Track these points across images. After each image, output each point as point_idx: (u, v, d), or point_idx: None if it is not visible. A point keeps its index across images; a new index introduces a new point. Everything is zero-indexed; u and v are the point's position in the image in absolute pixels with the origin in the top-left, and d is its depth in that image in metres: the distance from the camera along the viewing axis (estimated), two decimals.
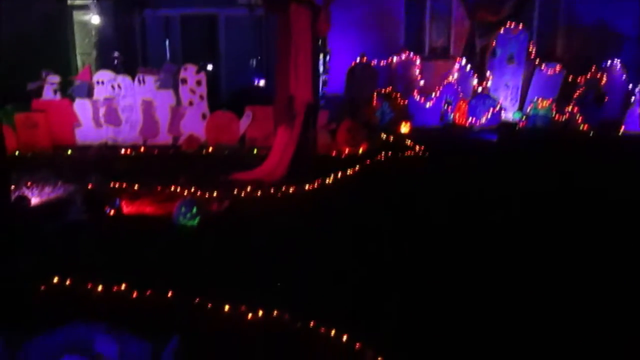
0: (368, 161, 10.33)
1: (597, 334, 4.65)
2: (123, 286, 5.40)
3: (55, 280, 5.48)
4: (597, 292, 5.38)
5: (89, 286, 5.42)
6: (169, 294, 5.30)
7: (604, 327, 4.77)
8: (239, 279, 5.72)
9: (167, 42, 16.37)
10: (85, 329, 3.27)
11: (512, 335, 4.67)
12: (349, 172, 9.61)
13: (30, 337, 3.26)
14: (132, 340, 3.28)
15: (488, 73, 15.42)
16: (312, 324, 4.92)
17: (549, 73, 15.26)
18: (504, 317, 4.99)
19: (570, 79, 15.12)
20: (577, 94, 14.74)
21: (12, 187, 7.56)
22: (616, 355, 4.37)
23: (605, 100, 14.67)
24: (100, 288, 5.40)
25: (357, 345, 4.60)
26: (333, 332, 4.81)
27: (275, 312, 5.07)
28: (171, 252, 6.32)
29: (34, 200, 7.91)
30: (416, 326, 4.86)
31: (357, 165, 9.92)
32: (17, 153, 10.47)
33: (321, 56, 12.10)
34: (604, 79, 14.76)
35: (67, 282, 5.50)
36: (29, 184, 8.35)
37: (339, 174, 9.37)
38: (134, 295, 5.31)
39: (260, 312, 5.08)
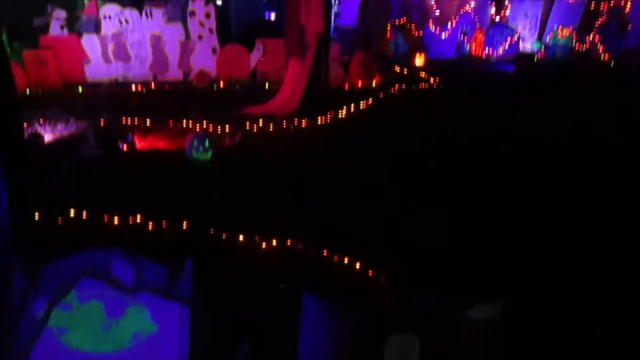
0: (381, 94, 10.13)
1: None
2: (138, 218, 5.47)
3: (72, 213, 5.56)
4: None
5: (105, 218, 5.50)
6: (184, 225, 5.36)
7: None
8: (252, 211, 5.75)
9: None
10: (101, 254, 3.32)
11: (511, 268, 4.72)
12: (362, 105, 9.45)
13: (48, 263, 3.32)
14: (147, 264, 3.33)
15: (507, 1, 14.83)
16: (325, 252, 4.98)
17: (570, 1, 14.62)
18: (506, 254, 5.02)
19: (592, 7, 14.50)
20: (599, 22, 14.16)
21: (25, 125, 7.55)
22: None
23: (629, 28, 14.09)
24: (116, 220, 5.48)
25: (370, 272, 4.66)
26: (346, 259, 4.88)
27: (289, 241, 5.13)
28: (185, 185, 6.35)
29: (47, 138, 7.92)
30: (424, 257, 4.90)
31: (370, 98, 9.74)
32: (27, 91, 10.40)
33: None
34: (628, 6, 14.12)
35: (84, 215, 5.59)
36: (41, 121, 8.33)
37: (352, 107, 9.23)
38: (150, 226, 5.37)
39: (275, 242, 5.14)
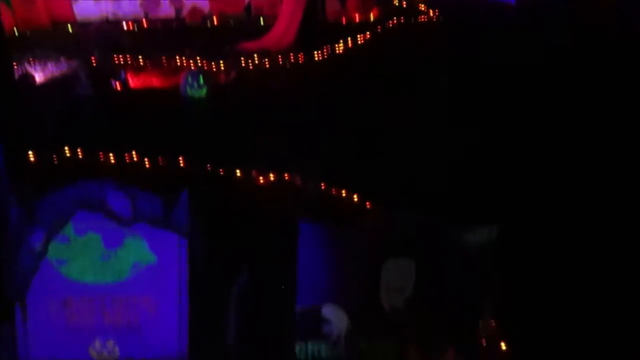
0: (379, 28, 9.85)
1: None
2: (134, 155, 5.42)
3: (67, 151, 5.51)
4: None
5: (101, 156, 5.45)
6: (181, 161, 5.32)
7: None
8: (248, 147, 5.69)
9: None
10: (96, 186, 3.30)
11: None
12: (360, 39, 9.21)
13: (43, 196, 3.31)
14: (143, 196, 3.32)
15: None
16: (322, 185, 4.98)
17: None
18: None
19: None
20: None
21: (14, 65, 7.37)
22: None
23: None
24: (111, 157, 5.43)
25: (368, 204, 4.67)
26: (344, 192, 4.88)
27: (286, 175, 5.11)
28: (180, 123, 6.26)
29: (38, 78, 7.77)
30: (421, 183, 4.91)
31: (368, 32, 9.48)
32: (15, 31, 10.11)
33: None
34: None
35: (78, 153, 5.54)
36: (31, 61, 8.14)
37: (349, 42, 9.00)
38: (146, 162, 5.33)
39: (272, 176, 5.12)
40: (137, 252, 3.45)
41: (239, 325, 3.82)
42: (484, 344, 3.78)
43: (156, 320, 3.67)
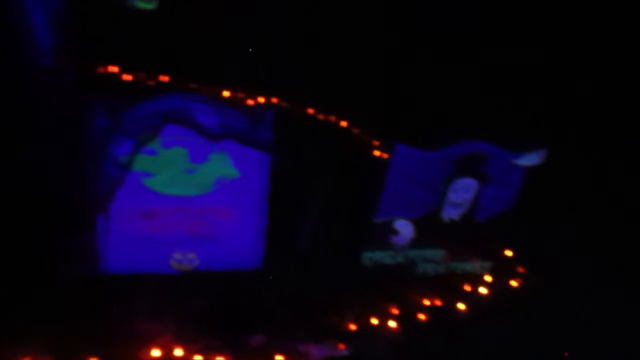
0: None
1: None
2: None
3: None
4: None
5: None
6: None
7: None
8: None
9: None
10: (187, 101, 3.28)
11: None
12: None
13: (130, 105, 3.22)
14: (232, 113, 3.38)
15: None
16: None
17: None
18: None
19: None
20: None
21: None
22: None
23: None
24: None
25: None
26: None
27: None
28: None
29: None
30: None
31: None
32: None
33: None
34: None
35: None
36: None
37: None
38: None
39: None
40: (221, 167, 3.53)
41: (314, 234, 4.12)
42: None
43: (235, 232, 3.80)
